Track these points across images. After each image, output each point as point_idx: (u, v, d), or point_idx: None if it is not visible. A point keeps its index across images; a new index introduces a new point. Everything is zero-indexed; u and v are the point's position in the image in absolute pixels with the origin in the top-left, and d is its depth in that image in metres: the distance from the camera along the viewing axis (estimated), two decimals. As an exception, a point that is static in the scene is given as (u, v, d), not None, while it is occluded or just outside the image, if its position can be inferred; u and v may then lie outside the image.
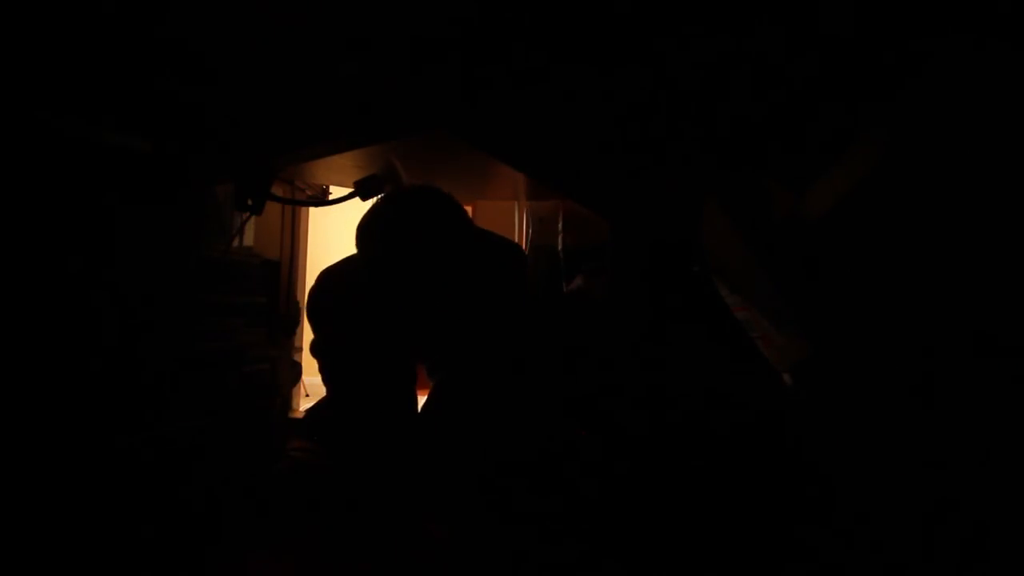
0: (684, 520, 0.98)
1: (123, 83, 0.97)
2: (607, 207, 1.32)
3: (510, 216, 1.87)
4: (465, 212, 1.25)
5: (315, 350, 1.30)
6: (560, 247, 1.71)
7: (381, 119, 1.06)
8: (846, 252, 0.97)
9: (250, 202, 1.13)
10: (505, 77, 1.05)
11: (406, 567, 0.92)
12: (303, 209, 1.87)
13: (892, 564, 0.83)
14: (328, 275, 1.32)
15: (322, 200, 1.66)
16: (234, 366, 1.39)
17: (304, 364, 1.81)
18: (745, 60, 0.98)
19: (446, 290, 1.21)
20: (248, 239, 1.54)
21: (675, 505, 1.00)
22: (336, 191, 1.64)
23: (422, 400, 1.31)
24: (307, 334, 1.43)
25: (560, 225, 1.74)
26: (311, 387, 2.28)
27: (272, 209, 1.62)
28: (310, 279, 1.40)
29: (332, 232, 2.51)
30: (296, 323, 1.81)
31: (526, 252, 1.66)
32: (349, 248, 1.27)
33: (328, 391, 1.30)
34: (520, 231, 1.82)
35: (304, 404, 2.11)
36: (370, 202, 1.27)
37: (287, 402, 1.75)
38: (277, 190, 1.27)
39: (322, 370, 1.30)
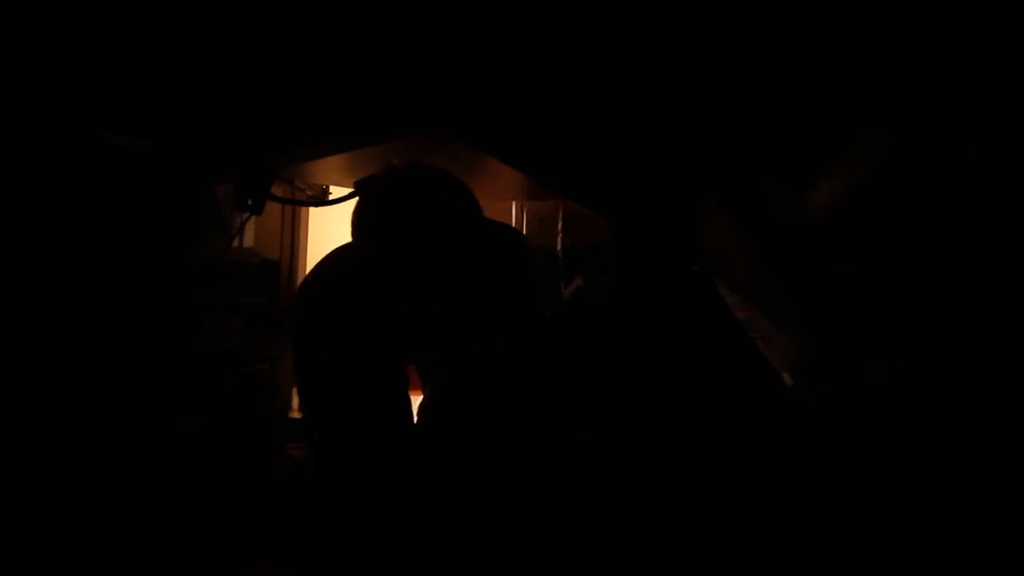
0: (684, 520, 0.98)
1: (124, 84, 0.97)
2: (607, 207, 1.31)
3: (510, 216, 1.87)
4: (474, 197, 1.15)
5: (305, 351, 1.14)
6: (559, 247, 1.71)
7: (381, 119, 1.06)
8: (846, 252, 0.97)
9: (250, 202, 1.13)
10: (505, 77, 1.05)
11: (406, 567, 0.92)
12: (303, 209, 1.87)
13: (892, 564, 0.83)
14: (323, 268, 1.20)
15: (322, 200, 1.66)
16: (234, 366, 1.39)
17: (304, 364, 1.81)
18: (745, 61, 0.99)
19: (455, 280, 1.12)
20: (248, 239, 1.54)
21: (675, 505, 1.00)
22: (336, 191, 1.64)
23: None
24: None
25: (560, 225, 1.74)
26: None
27: (272, 209, 1.62)
28: (310, 279, 1.39)
29: (332, 232, 2.50)
30: (296, 323, 1.80)
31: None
32: (349, 248, 1.27)
33: (313, 400, 1.14)
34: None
35: (304, 404, 2.11)
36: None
37: (287, 402, 1.75)
38: (277, 190, 1.27)
39: (308, 377, 1.13)
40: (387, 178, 1.11)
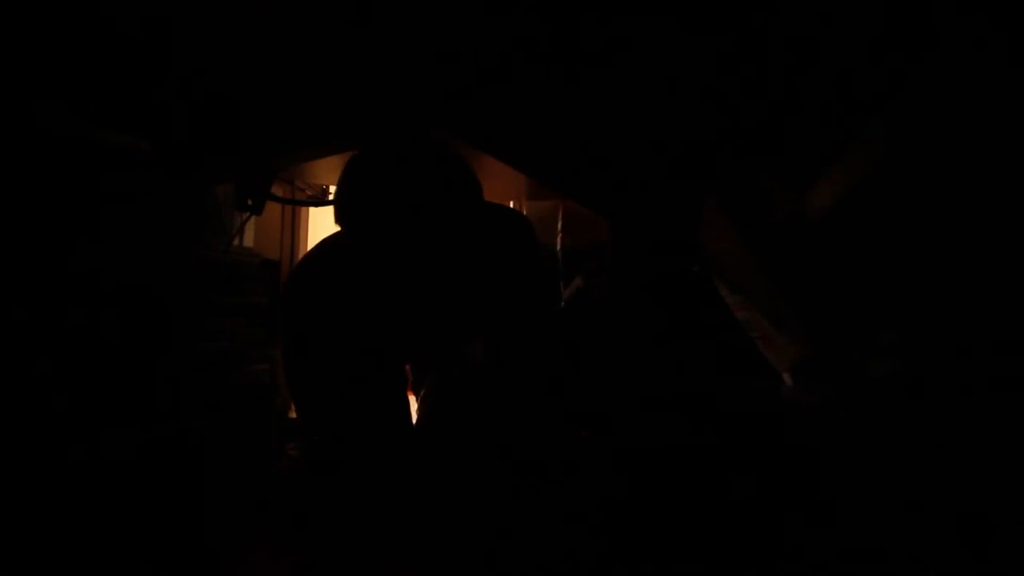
0: (684, 520, 0.98)
1: (125, 84, 0.97)
2: (607, 207, 1.31)
3: (510, 216, 1.87)
4: (475, 175, 1.01)
5: (295, 350, 1.05)
6: (559, 247, 1.71)
7: (381, 119, 1.06)
8: (846, 252, 0.97)
9: (250, 202, 1.13)
10: (505, 77, 1.05)
11: (405, 568, 0.92)
12: (303, 209, 1.87)
13: (892, 563, 0.83)
14: (311, 261, 1.10)
15: (322, 200, 1.66)
16: (234, 366, 1.39)
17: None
18: (747, 63, 0.99)
19: (456, 268, 1.00)
20: (248, 239, 1.54)
21: (675, 505, 1.00)
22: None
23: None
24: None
25: (560, 225, 1.74)
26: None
27: (272, 209, 1.62)
28: (310, 279, 1.38)
29: (332, 232, 2.50)
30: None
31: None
32: (349, 248, 1.26)
33: (306, 402, 1.07)
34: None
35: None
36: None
37: (287, 402, 1.75)
38: (277, 190, 1.27)
39: (300, 379, 1.05)
40: (378, 154, 0.97)
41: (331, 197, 1.34)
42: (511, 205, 1.89)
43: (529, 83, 1.07)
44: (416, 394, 1.48)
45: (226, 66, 1.01)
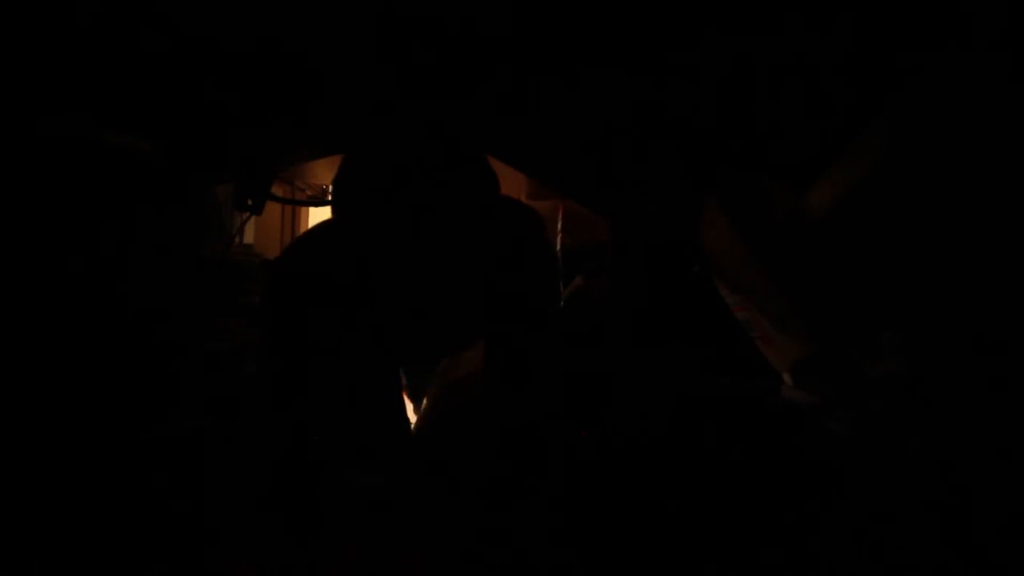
0: (683, 520, 0.98)
1: (125, 85, 0.97)
2: (607, 207, 1.31)
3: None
4: (491, 168, 0.93)
5: (278, 351, 0.96)
6: (559, 247, 1.71)
7: (381, 119, 1.06)
8: (846, 252, 0.97)
9: (250, 202, 1.13)
10: (505, 78, 1.05)
11: (405, 568, 0.92)
12: (303, 209, 1.87)
13: (893, 563, 0.83)
14: (300, 252, 1.00)
15: (322, 200, 1.66)
16: (234, 366, 1.39)
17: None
18: (747, 64, 0.99)
19: (461, 266, 0.92)
20: (248, 239, 1.54)
21: (675, 505, 1.00)
22: (336, 191, 1.64)
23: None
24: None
25: (560, 225, 1.74)
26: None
27: (272, 209, 1.63)
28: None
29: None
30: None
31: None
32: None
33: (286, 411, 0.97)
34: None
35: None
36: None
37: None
38: (277, 190, 1.27)
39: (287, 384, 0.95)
40: (385, 145, 0.91)
41: (331, 197, 1.28)
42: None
43: (529, 83, 1.07)
44: (413, 400, 1.49)
45: (225, 67, 1.00)
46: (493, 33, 0.96)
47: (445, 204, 0.85)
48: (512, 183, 1.56)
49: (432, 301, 0.96)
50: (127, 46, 0.91)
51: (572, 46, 0.99)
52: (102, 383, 0.99)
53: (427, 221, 0.84)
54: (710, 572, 0.90)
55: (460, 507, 1.01)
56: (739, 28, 0.92)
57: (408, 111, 1.08)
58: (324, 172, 1.49)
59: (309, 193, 1.73)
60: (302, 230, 1.89)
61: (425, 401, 1.31)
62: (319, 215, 1.95)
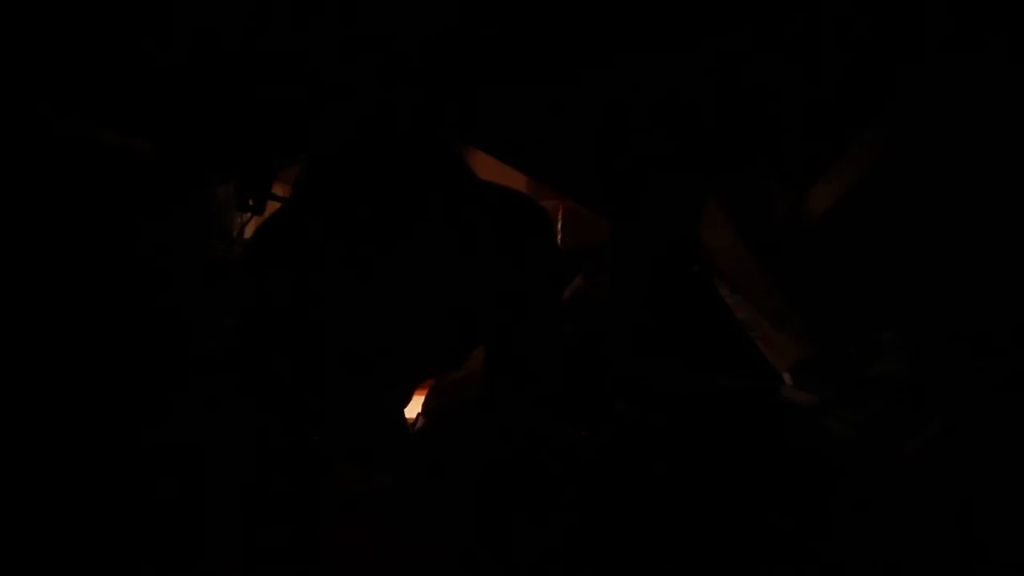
0: (683, 520, 0.98)
1: (125, 85, 0.97)
2: (607, 207, 1.31)
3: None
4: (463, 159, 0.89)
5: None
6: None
7: (380, 118, 1.06)
8: (846, 252, 0.97)
9: (251, 202, 1.13)
10: (506, 77, 1.05)
11: (405, 568, 0.92)
12: (304, 209, 1.86)
13: (892, 563, 0.83)
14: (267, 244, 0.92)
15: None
16: (234, 365, 1.39)
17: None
18: (748, 64, 0.99)
19: (448, 267, 0.86)
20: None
21: (675, 505, 1.00)
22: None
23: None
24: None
25: (560, 225, 1.74)
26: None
27: (273, 209, 1.62)
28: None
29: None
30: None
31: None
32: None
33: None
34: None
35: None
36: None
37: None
38: (278, 190, 1.27)
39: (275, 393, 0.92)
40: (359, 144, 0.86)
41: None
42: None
43: (529, 84, 1.07)
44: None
45: (226, 68, 1.01)
46: (492, 32, 0.97)
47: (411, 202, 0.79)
48: (512, 183, 1.56)
49: (397, 339, 0.89)
50: (127, 46, 0.91)
51: (572, 45, 0.99)
52: (101, 383, 0.99)
53: (379, 263, 0.79)
54: (710, 572, 0.90)
55: (460, 507, 1.01)
56: (739, 28, 0.92)
57: (407, 112, 1.08)
58: (325, 172, 1.49)
59: (310, 193, 1.72)
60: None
61: (425, 401, 1.31)
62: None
